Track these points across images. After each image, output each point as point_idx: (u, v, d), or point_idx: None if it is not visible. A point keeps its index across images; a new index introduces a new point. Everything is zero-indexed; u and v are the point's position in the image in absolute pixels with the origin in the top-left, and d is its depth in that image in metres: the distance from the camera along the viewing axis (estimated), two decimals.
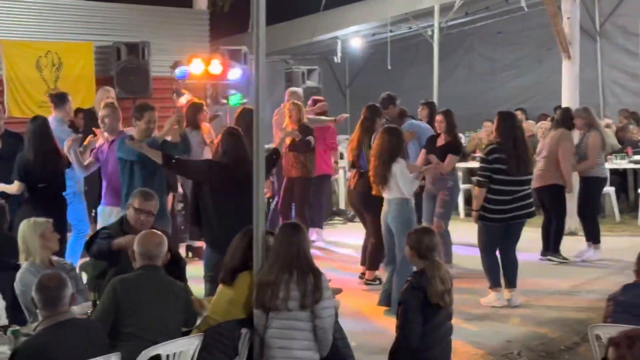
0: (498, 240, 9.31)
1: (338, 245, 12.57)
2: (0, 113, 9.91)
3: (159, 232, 6.20)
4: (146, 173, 8.64)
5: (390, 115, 11.47)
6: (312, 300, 5.56)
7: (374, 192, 9.31)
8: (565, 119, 11.47)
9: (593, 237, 11.54)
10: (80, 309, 6.05)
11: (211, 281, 8.13)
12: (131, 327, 5.54)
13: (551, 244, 11.49)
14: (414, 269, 6.14)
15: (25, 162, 9.07)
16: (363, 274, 10.29)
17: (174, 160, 8.32)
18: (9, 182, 9.06)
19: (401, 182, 8.95)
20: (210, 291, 7.91)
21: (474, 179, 9.28)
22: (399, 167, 8.99)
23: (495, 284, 9.40)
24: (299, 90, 13.42)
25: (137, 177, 8.58)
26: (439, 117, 10.54)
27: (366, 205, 9.99)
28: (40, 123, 9.27)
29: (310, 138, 11.77)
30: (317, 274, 5.65)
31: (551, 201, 11.55)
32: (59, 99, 10.34)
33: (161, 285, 5.84)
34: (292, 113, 11.72)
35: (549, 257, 11.44)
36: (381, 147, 9.12)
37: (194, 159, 9.40)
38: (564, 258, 11.40)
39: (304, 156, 11.81)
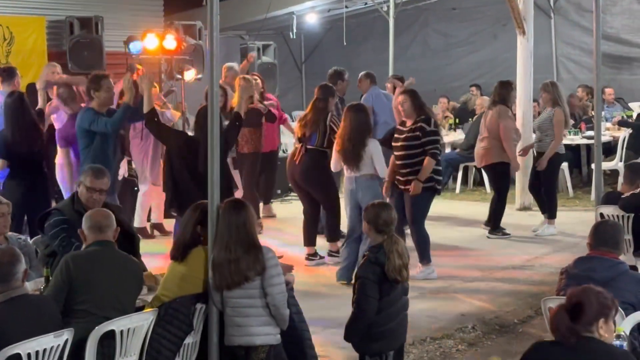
0: None
1: (293, 221, 12.56)
2: None
3: (105, 209, 6.20)
4: (105, 144, 8.73)
5: (340, 90, 11.56)
6: (254, 274, 5.55)
7: (333, 169, 9.33)
8: (502, 95, 11.45)
9: (550, 212, 11.62)
10: (34, 285, 5.99)
11: None
12: (84, 304, 5.49)
13: (492, 221, 11.57)
14: None
15: (5, 139, 9.02)
16: (310, 254, 10.23)
17: (156, 119, 8.65)
18: None
19: (376, 161, 9.04)
20: None
21: (430, 151, 9.21)
22: (375, 145, 9.11)
23: (428, 258, 9.53)
24: (235, 65, 13.29)
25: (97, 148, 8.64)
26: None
27: (311, 181, 9.97)
28: (15, 98, 9.20)
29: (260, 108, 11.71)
30: (258, 248, 5.63)
31: (495, 179, 11.65)
32: (7, 74, 10.21)
33: (115, 260, 5.80)
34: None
35: (487, 233, 11.52)
36: (350, 126, 9.14)
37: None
38: (505, 233, 11.48)
39: (258, 132, 11.76)
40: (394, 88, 11.13)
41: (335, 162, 9.38)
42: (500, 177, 11.53)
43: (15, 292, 5.06)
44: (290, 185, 15.10)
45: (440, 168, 9.53)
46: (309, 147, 9.93)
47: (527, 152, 12.01)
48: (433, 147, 9.25)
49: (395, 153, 9.50)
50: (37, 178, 9.19)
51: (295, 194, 14.75)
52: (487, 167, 11.73)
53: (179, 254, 5.88)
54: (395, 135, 9.52)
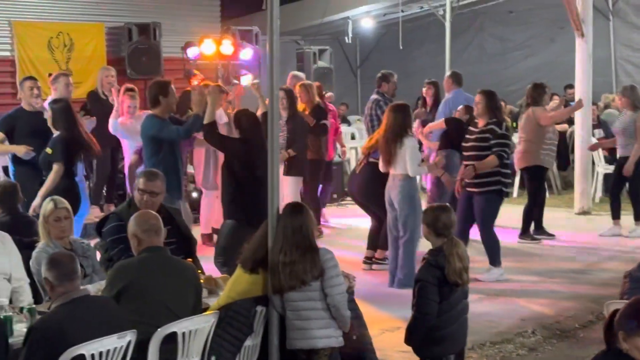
0: None
1: (349, 226, 12.55)
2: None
3: (151, 211, 6.17)
4: (173, 150, 8.77)
5: (386, 92, 11.84)
6: (311, 277, 5.54)
7: (381, 169, 9.31)
8: (534, 98, 11.31)
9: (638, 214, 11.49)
10: (95, 288, 6.05)
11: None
12: (136, 314, 5.38)
13: (522, 224, 11.46)
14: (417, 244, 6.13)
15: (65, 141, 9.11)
16: (368, 257, 10.25)
17: (217, 132, 8.65)
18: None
19: (409, 159, 8.98)
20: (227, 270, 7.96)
21: (497, 152, 9.23)
22: (411, 143, 9.07)
23: (498, 260, 9.52)
24: (302, 74, 13.31)
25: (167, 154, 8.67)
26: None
27: (368, 193, 9.94)
28: (65, 105, 9.26)
29: (325, 121, 11.74)
30: (315, 251, 5.62)
31: (528, 181, 11.52)
32: (52, 80, 10.36)
33: (167, 267, 5.73)
34: (301, 95, 11.66)
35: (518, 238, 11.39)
36: (386, 125, 9.16)
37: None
38: (534, 238, 11.36)
39: (319, 139, 11.75)
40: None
41: (380, 162, 9.38)
42: (534, 180, 11.40)
43: (77, 292, 5.10)
44: (345, 190, 15.24)
45: (508, 172, 9.51)
46: (370, 159, 9.90)
47: (596, 149, 11.88)
48: (500, 149, 9.28)
49: (464, 153, 9.56)
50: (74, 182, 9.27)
51: (352, 200, 14.89)
52: (523, 170, 11.62)
53: (249, 266, 5.82)
54: (466, 136, 9.57)
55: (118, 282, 5.49)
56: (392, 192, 9.17)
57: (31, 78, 10.28)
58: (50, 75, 11.10)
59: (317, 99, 11.85)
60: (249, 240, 6.00)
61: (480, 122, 9.46)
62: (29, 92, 9.72)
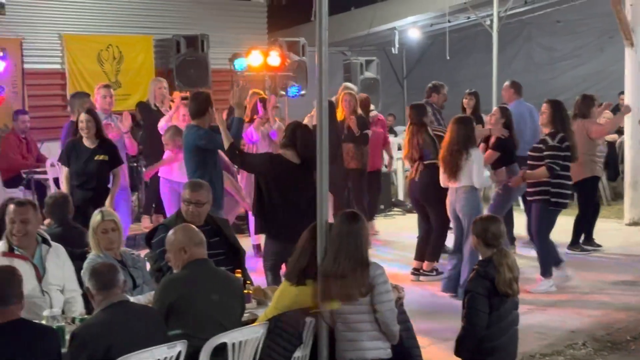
0: None
1: (397, 237, 12.52)
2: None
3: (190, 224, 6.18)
4: (215, 160, 8.79)
5: (436, 103, 11.80)
6: (359, 293, 5.52)
7: (442, 183, 9.28)
8: (582, 110, 11.17)
9: None
10: (146, 298, 6.09)
11: (271, 269, 8.22)
12: (186, 328, 5.40)
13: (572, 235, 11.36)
14: None
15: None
16: (416, 269, 10.21)
17: (237, 152, 8.38)
18: None
19: (475, 172, 8.98)
20: (273, 281, 7.95)
21: (548, 163, 9.26)
22: (476, 156, 9.07)
23: (550, 271, 9.50)
24: (353, 86, 13.30)
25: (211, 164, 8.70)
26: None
27: (429, 196, 9.91)
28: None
29: (368, 131, 11.75)
30: (366, 266, 5.59)
31: (580, 193, 11.39)
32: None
33: (213, 279, 5.74)
34: (345, 103, 11.67)
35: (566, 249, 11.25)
36: (451, 137, 9.14)
37: (256, 153, 9.35)
38: (584, 249, 11.24)
39: (361, 149, 11.78)
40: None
41: (441, 176, 9.34)
42: (585, 191, 11.28)
43: (116, 298, 5.16)
44: (392, 200, 15.23)
45: (568, 182, 9.50)
46: (425, 162, 9.88)
47: None
48: (552, 161, 9.29)
49: (528, 163, 9.65)
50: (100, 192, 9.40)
51: (399, 210, 14.87)
52: (577, 184, 11.50)
53: (295, 278, 5.83)
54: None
55: (166, 297, 5.51)
56: (457, 204, 9.15)
57: (105, 87, 10.83)
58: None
59: (359, 110, 11.87)
60: (292, 254, 6.00)
61: (545, 132, 9.58)
62: (101, 99, 10.47)
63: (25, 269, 6.06)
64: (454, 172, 9.09)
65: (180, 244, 5.80)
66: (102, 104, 10.66)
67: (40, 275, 6.20)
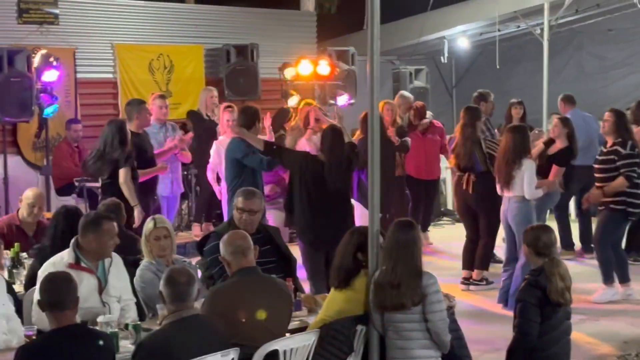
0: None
1: (447, 246, 12.49)
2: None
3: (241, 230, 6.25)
4: (256, 174, 8.91)
5: (484, 112, 11.54)
6: (412, 303, 5.53)
7: (498, 192, 9.25)
8: (637, 116, 11.09)
9: None
10: (198, 305, 6.14)
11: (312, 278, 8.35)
12: (237, 338, 5.42)
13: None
14: None
15: None
16: (466, 278, 10.19)
17: (274, 147, 8.72)
18: None
19: (527, 182, 8.95)
20: (317, 289, 8.01)
21: (625, 173, 9.22)
22: (528, 166, 9.03)
23: (612, 279, 9.42)
24: (410, 95, 13.28)
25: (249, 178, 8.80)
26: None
27: (483, 205, 9.89)
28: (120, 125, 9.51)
29: (407, 139, 11.73)
30: (419, 275, 5.61)
31: None
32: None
33: (261, 287, 5.78)
34: (386, 113, 11.67)
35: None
36: (506, 147, 9.11)
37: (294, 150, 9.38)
38: (636, 259, 11.08)
39: (401, 157, 11.78)
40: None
41: (497, 185, 9.32)
42: None
43: (188, 312, 5.18)
44: (442, 209, 15.19)
45: (638, 192, 9.35)
46: (478, 173, 9.84)
47: None
48: (628, 169, 9.23)
49: (595, 174, 9.54)
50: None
51: (449, 219, 14.83)
52: None
53: (342, 282, 5.88)
54: (596, 156, 9.60)
55: (215, 308, 5.55)
56: (509, 214, 9.15)
57: (161, 97, 11.17)
58: (153, 94, 11.49)
59: (399, 119, 11.90)
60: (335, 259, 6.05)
61: (608, 142, 9.47)
62: (158, 110, 10.78)
63: (89, 282, 6.17)
64: (507, 181, 9.07)
65: (226, 253, 5.86)
66: (158, 114, 10.89)
67: (102, 287, 6.28)
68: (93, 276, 6.24)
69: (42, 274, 5.94)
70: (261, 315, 5.56)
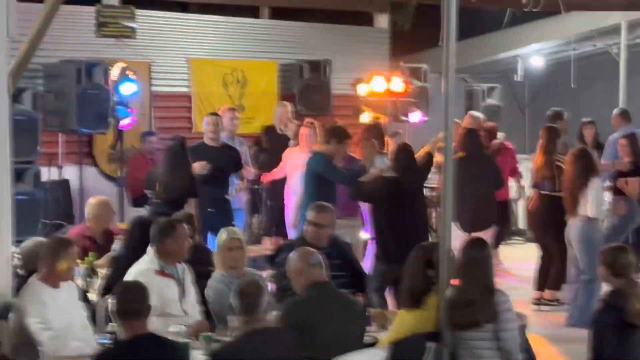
0: None
1: (518, 265, 12.37)
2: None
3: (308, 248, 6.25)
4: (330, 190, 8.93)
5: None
6: (485, 320, 5.48)
7: (569, 214, 9.15)
8: None
9: None
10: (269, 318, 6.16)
11: (376, 291, 8.28)
12: (308, 351, 5.45)
13: None
14: (601, 287, 6.01)
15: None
16: (537, 298, 10.07)
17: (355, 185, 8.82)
18: None
19: (591, 200, 8.85)
20: (379, 302, 7.99)
21: None
22: (595, 185, 8.98)
23: None
24: (480, 115, 13.13)
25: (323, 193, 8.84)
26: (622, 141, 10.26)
27: (547, 226, 9.81)
28: (176, 143, 9.63)
29: None
30: (492, 293, 5.57)
31: None
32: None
33: (334, 303, 5.81)
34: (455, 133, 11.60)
35: None
36: (572, 174, 9.05)
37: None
38: None
39: None
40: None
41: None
42: None
43: (260, 324, 5.21)
44: (513, 229, 15.03)
45: None
46: (542, 192, 9.77)
47: None
48: None
49: None
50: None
51: (520, 239, 14.69)
52: None
53: (414, 302, 5.85)
54: None
55: (288, 321, 5.57)
56: (571, 232, 9.04)
57: (232, 109, 11.35)
58: (219, 109, 11.60)
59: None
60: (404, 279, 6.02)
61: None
62: (229, 122, 10.94)
63: (174, 289, 6.27)
64: (573, 206, 8.99)
65: (296, 268, 5.88)
66: (230, 125, 10.95)
67: (182, 295, 6.37)
68: (176, 283, 6.34)
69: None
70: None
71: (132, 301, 5.10)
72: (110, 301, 6.07)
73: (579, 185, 9.00)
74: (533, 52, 18.37)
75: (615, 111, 12.16)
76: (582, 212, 9.00)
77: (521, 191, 13.37)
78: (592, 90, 19.02)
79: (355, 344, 5.78)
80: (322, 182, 9.02)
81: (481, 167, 10.11)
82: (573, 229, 9.09)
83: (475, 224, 9.86)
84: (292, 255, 5.99)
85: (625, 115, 12.07)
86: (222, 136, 10.85)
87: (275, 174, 10.88)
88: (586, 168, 9.10)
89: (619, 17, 14.89)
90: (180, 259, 6.52)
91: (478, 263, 5.60)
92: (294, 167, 10.35)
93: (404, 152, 8.66)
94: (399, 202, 8.40)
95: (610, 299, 5.70)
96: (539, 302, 10.01)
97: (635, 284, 5.70)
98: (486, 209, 10.15)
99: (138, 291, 5.16)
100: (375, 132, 10.54)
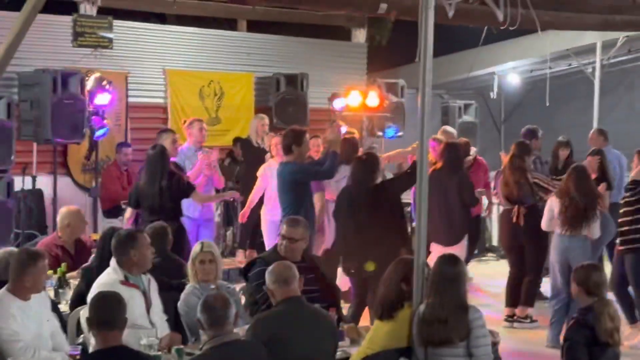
0: None
1: (491, 281, 12.40)
2: None
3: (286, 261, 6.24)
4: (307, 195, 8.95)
5: (534, 148, 11.49)
6: (458, 338, 5.49)
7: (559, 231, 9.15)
8: None
9: None
10: (241, 331, 6.13)
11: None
12: None
13: None
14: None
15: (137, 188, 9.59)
16: (509, 315, 10.10)
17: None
18: None
19: (595, 223, 8.90)
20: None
21: None
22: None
23: None
24: (452, 130, 13.18)
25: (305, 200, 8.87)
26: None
27: (532, 239, 9.82)
28: (157, 151, 9.58)
29: None
30: (466, 310, 5.58)
31: None
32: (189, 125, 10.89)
33: (305, 317, 5.80)
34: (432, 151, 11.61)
35: None
36: (578, 189, 9.03)
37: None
38: None
39: None
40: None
41: (548, 221, 9.21)
42: None
43: (228, 336, 5.18)
44: (486, 246, 15.07)
45: None
46: (528, 206, 9.77)
47: None
48: None
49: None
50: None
51: (493, 255, 14.71)
52: None
53: (386, 313, 5.86)
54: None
55: (258, 336, 5.55)
56: (570, 253, 9.09)
57: (200, 120, 11.15)
58: (184, 122, 11.52)
59: None
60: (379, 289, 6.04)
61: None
62: (198, 132, 10.76)
63: (139, 300, 6.24)
64: (578, 223, 9.04)
65: (272, 281, 5.86)
66: (198, 136, 10.82)
67: (148, 305, 6.34)
68: (140, 292, 6.31)
69: (93, 293, 6.01)
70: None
71: (108, 311, 5.07)
72: (83, 312, 6.07)
73: (585, 202, 9.00)
74: (509, 69, 18.48)
75: (593, 131, 12.23)
76: (583, 232, 9.02)
77: (491, 207, 13.44)
78: (567, 108, 19.16)
79: (328, 358, 5.77)
80: (299, 190, 9.02)
81: (456, 181, 10.13)
82: (572, 249, 9.02)
83: (446, 237, 9.87)
84: (268, 270, 5.97)
85: (603, 135, 12.13)
86: (188, 147, 10.83)
87: (252, 201, 10.75)
88: (591, 186, 9.14)
89: (595, 37, 15.02)
90: (144, 269, 6.48)
91: (451, 280, 5.59)
92: (272, 177, 10.34)
93: (358, 163, 8.80)
94: (350, 211, 8.63)
95: (581, 317, 5.72)
96: (511, 319, 10.01)
97: (607, 303, 5.73)
98: (457, 223, 10.17)
99: (114, 302, 5.13)
100: (351, 146, 10.53)
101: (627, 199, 9.30)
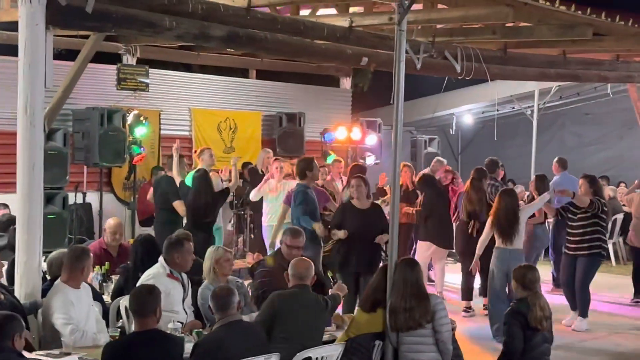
0: None
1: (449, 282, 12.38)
2: None
3: (307, 259, 6.28)
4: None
5: (497, 175, 11.47)
6: (425, 321, 5.52)
7: (497, 244, 8.93)
8: None
9: None
10: (248, 319, 6.13)
11: None
12: (285, 333, 5.56)
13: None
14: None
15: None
16: (467, 307, 10.17)
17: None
18: None
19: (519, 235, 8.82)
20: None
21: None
22: (523, 223, 8.85)
23: (587, 313, 9.35)
24: (444, 160, 13.06)
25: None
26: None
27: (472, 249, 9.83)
28: (202, 173, 9.77)
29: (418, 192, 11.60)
30: (427, 299, 5.65)
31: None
32: (200, 153, 10.92)
33: (309, 300, 5.88)
34: (405, 174, 11.62)
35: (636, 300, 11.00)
36: (506, 208, 8.73)
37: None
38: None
39: (412, 207, 11.60)
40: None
41: (487, 236, 9.04)
42: None
43: (232, 317, 5.24)
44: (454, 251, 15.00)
45: (606, 239, 9.44)
46: (481, 221, 9.72)
47: None
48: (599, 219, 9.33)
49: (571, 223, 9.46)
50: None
51: (451, 259, 14.68)
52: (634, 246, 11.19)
53: (369, 307, 5.88)
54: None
55: (272, 307, 5.67)
56: (511, 263, 8.63)
57: (209, 148, 11.19)
58: (195, 151, 11.55)
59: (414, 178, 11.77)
60: (368, 287, 6.05)
61: (586, 201, 9.32)
62: (209, 158, 10.68)
63: (179, 290, 6.27)
64: (511, 237, 8.72)
65: (292, 274, 5.99)
66: (209, 162, 10.79)
67: (184, 296, 6.39)
68: (181, 286, 6.34)
69: (142, 282, 6.12)
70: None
71: (139, 302, 5.08)
72: (122, 302, 6.08)
73: (512, 218, 8.69)
74: (465, 111, 18.59)
75: (555, 160, 12.28)
76: (518, 245, 8.71)
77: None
78: (511, 143, 19.21)
79: (318, 336, 5.81)
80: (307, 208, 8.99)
81: (445, 199, 10.46)
82: (512, 259, 8.47)
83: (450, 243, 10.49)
84: (291, 263, 6.06)
85: (562, 163, 12.23)
86: None
87: (255, 191, 10.89)
88: (515, 204, 8.88)
89: (533, 86, 15.13)
90: (184, 271, 6.49)
91: (412, 280, 5.67)
92: (269, 191, 10.64)
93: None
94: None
95: (516, 305, 5.82)
96: (467, 310, 10.04)
97: (539, 296, 5.80)
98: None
99: (146, 294, 5.14)
100: (359, 168, 10.77)
101: (581, 215, 9.28)
